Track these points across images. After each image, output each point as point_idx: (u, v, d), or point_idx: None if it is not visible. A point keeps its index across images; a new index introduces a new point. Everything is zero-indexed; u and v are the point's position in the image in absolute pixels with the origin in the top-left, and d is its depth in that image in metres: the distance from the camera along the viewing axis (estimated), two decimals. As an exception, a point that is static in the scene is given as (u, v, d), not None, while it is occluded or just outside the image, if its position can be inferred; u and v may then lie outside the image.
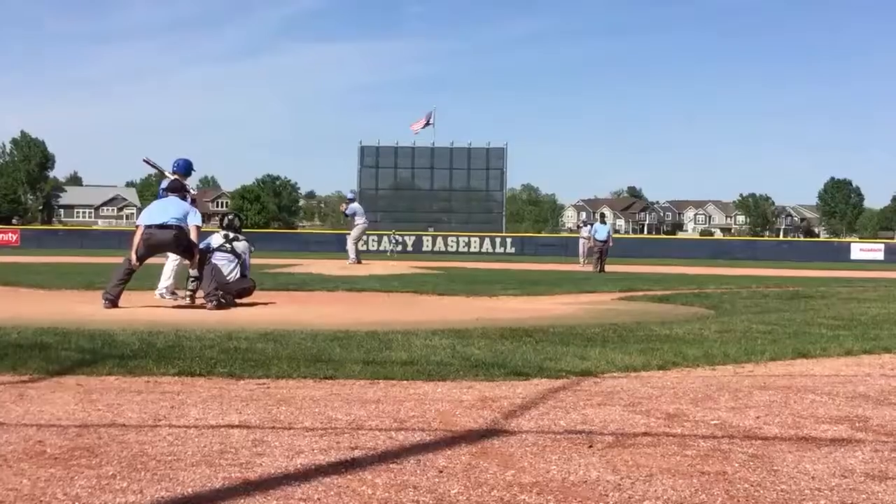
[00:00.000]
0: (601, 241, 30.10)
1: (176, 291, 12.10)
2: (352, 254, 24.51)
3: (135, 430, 4.16)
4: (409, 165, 64.67)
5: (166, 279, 12.25)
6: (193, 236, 11.37)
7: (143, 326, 8.12)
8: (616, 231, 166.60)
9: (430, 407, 4.84)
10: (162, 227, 11.20)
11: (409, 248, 53.77)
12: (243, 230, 13.14)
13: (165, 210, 11.37)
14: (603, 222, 32.17)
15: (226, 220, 12.95)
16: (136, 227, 11.49)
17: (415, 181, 65.82)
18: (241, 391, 5.22)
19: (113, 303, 10.73)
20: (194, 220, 11.43)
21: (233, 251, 12.38)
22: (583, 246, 33.69)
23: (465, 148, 64.71)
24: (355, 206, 25.50)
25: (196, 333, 7.47)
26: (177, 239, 11.23)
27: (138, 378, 5.56)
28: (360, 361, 6.19)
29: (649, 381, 5.90)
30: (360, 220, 24.98)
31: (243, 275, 12.33)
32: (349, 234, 25.28)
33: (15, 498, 3.17)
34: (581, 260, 33.45)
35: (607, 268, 28.74)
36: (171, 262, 12.37)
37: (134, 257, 11.09)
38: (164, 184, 12.30)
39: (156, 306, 11.23)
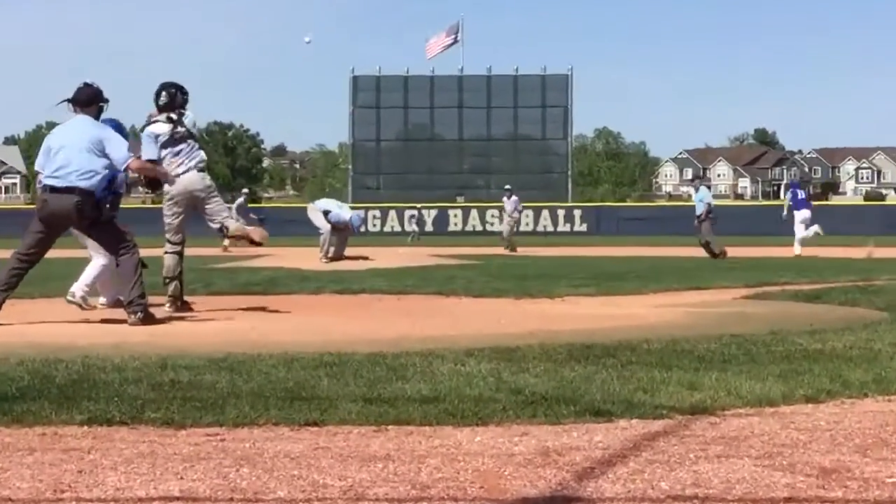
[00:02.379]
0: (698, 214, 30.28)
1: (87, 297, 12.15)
2: (324, 246, 26.55)
3: (26, 507, 4.16)
4: (425, 104, 64.65)
5: (86, 279, 12.27)
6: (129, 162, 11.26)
7: (34, 352, 8.12)
8: (739, 195, 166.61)
9: (466, 465, 4.81)
10: (55, 189, 11.09)
11: (429, 228, 53.84)
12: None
13: (68, 154, 11.09)
14: (702, 185, 32.50)
15: (162, 98, 12.61)
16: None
17: (435, 128, 65.85)
18: (182, 446, 5.21)
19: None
20: (117, 150, 11.13)
21: (190, 135, 12.49)
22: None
23: (511, 76, 64.71)
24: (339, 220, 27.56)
25: (114, 362, 7.46)
26: (80, 211, 11.13)
27: (29, 429, 5.55)
28: (360, 398, 6.16)
29: (793, 419, 5.84)
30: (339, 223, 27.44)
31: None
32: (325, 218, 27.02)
33: None
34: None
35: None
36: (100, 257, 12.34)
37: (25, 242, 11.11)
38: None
39: (57, 322, 11.26)
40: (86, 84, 11.51)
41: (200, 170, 12.51)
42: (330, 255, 26.58)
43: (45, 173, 11.11)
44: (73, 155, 10.97)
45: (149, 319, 11.00)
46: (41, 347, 8.60)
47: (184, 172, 12.37)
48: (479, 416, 5.80)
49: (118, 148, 11.12)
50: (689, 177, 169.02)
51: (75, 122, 11.29)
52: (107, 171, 11.02)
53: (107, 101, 11.51)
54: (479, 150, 64.36)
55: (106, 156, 11.04)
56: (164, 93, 12.61)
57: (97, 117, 11.42)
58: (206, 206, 12.45)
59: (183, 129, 12.43)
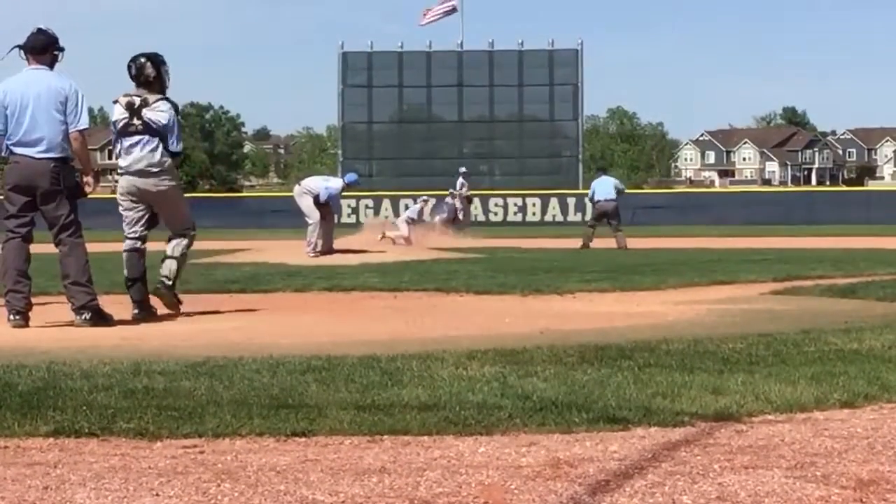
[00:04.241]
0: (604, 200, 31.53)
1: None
2: (312, 237, 25.48)
3: (-13, 527, 4.18)
4: (422, 82, 64.60)
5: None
6: (80, 156, 11.11)
7: (-4, 357, 8.13)
8: (766, 180, 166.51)
9: (469, 478, 4.82)
10: (28, 157, 10.90)
11: (426, 218, 53.84)
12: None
13: (34, 113, 10.90)
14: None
15: (134, 70, 12.03)
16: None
17: (432, 108, 65.80)
18: (157, 459, 5.22)
19: (24, 316, 10.82)
20: (76, 112, 10.99)
21: (147, 129, 11.81)
22: None
23: (515, 51, 64.64)
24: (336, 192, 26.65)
25: (83, 367, 7.47)
26: (54, 180, 10.94)
27: (-9, 441, 5.57)
28: (352, 406, 6.17)
29: (827, 426, 5.85)
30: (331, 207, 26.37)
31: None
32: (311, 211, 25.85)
33: None
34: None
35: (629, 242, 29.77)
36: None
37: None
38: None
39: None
40: (39, 30, 11.29)
41: (154, 174, 11.92)
42: (319, 248, 25.51)
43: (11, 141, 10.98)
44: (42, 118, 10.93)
45: (100, 320, 10.93)
46: (2, 352, 8.62)
47: (126, 169, 12.00)
48: (483, 424, 5.80)
49: (78, 111, 11.03)
50: (712, 160, 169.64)
51: (36, 76, 11.13)
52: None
53: (62, 49, 11.31)
54: (480, 132, 64.27)
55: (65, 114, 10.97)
56: (131, 65, 12.07)
57: (51, 67, 11.22)
58: (163, 214, 12.25)
59: (138, 123, 11.88)
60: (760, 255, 23.90)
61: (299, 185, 27.16)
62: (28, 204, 10.99)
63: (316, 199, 25.71)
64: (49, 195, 10.95)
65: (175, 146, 12.02)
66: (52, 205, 10.98)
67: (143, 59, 12.00)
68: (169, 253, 12.05)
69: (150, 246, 12.16)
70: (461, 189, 42.55)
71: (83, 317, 10.86)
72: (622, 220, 31.87)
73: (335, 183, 27.06)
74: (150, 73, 11.91)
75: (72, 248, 11.01)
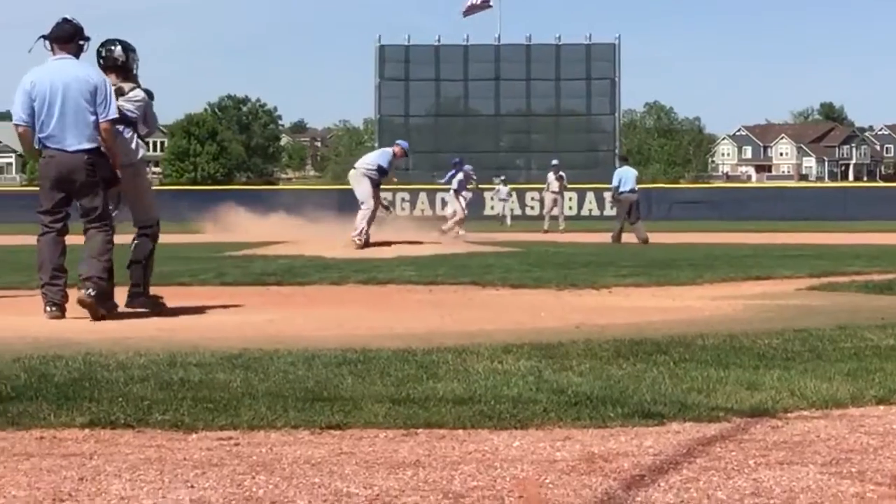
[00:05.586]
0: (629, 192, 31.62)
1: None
2: (362, 224, 24.56)
3: (24, 517, 4.18)
4: (459, 76, 64.64)
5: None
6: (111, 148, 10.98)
7: (31, 348, 8.17)
8: (803, 176, 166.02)
9: (503, 472, 4.82)
10: (63, 151, 10.87)
11: (465, 212, 53.82)
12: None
13: (63, 105, 10.90)
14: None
15: (104, 53, 11.70)
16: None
17: (469, 102, 65.77)
18: (192, 451, 5.23)
19: (60, 307, 10.79)
20: (108, 110, 10.94)
21: (123, 119, 11.43)
22: None
23: (553, 45, 64.56)
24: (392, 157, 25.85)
25: (119, 359, 7.50)
26: (90, 172, 10.91)
27: (26, 432, 5.58)
28: (387, 399, 6.18)
29: (863, 423, 5.83)
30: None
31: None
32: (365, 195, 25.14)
33: None
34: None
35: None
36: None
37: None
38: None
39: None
40: (65, 20, 11.23)
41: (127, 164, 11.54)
42: (365, 236, 24.58)
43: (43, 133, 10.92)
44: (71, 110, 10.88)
45: (101, 308, 10.84)
46: (38, 343, 8.65)
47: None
48: (518, 418, 5.80)
49: (107, 101, 10.96)
50: (749, 156, 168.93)
51: (62, 66, 11.05)
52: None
53: (88, 38, 11.26)
54: (517, 126, 64.31)
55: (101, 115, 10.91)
56: (101, 49, 11.76)
57: (77, 57, 11.15)
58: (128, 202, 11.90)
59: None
60: (797, 250, 23.82)
61: (354, 168, 26.04)
62: (63, 200, 10.99)
63: (373, 183, 24.99)
64: (85, 187, 10.94)
65: (143, 132, 11.82)
66: (87, 197, 10.98)
67: (114, 45, 11.74)
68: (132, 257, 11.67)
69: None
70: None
71: (88, 291, 10.67)
72: (643, 214, 32.02)
73: (389, 151, 26.16)
74: (119, 58, 11.62)
75: (97, 235, 10.98)
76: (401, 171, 38.83)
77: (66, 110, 10.87)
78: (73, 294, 10.78)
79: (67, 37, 11.10)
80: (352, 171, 26.10)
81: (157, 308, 11.47)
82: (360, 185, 25.08)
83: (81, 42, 11.21)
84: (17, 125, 11.17)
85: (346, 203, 29.61)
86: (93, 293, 10.63)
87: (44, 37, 11.17)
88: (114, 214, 11.44)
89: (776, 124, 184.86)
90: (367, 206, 24.69)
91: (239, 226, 34.94)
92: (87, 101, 10.89)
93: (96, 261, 10.82)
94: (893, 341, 8.46)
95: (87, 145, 10.88)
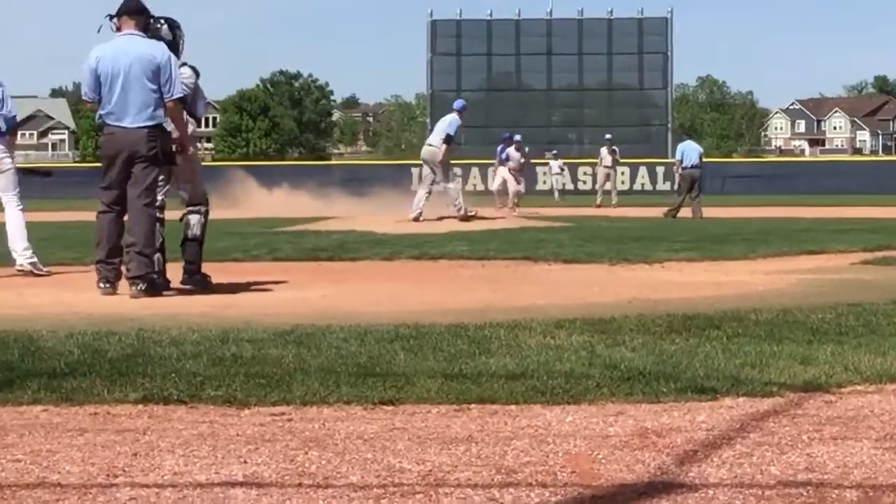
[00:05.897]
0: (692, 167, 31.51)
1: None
2: (421, 202, 24.68)
3: (76, 494, 4.19)
4: (511, 51, 64.55)
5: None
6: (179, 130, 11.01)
7: (84, 324, 8.23)
8: (857, 149, 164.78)
9: (556, 448, 4.81)
10: (122, 128, 10.86)
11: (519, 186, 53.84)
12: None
13: (125, 82, 10.86)
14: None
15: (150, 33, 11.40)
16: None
17: (521, 77, 65.67)
18: (245, 427, 5.25)
19: (113, 284, 10.83)
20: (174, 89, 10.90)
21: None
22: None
23: (605, 19, 64.35)
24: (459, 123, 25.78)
25: (172, 335, 7.54)
26: (151, 143, 10.83)
27: (80, 408, 5.62)
28: (439, 374, 6.18)
29: (919, 398, 5.79)
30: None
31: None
32: (430, 168, 25.12)
33: None
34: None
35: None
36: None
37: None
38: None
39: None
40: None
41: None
42: (464, 210, 24.95)
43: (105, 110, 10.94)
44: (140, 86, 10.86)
45: (154, 290, 10.86)
46: (92, 319, 8.72)
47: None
48: (571, 393, 5.80)
49: (172, 80, 10.93)
50: (802, 129, 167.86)
51: (128, 42, 11.01)
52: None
53: (153, 17, 11.27)
54: (569, 100, 64.22)
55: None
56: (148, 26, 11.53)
57: (144, 33, 11.11)
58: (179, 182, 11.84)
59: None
60: (850, 224, 23.67)
61: (428, 146, 25.99)
62: (123, 179, 10.97)
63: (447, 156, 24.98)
64: (144, 159, 10.87)
65: (199, 111, 11.94)
66: (142, 165, 10.88)
67: (160, 23, 11.61)
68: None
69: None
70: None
71: (138, 287, 10.69)
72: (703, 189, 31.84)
73: (452, 118, 26.19)
74: (165, 36, 11.49)
75: (140, 215, 10.91)
76: (454, 144, 38.78)
77: (128, 88, 10.88)
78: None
79: (135, 10, 11.10)
80: (425, 149, 26.10)
81: (208, 287, 11.50)
82: (437, 161, 25.17)
83: (150, 19, 11.21)
84: (85, 101, 11.40)
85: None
86: (143, 287, 10.67)
87: (109, 16, 11.19)
88: (164, 191, 11.45)
89: (830, 98, 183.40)
90: (453, 182, 25.47)
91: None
92: (150, 80, 10.88)
93: (143, 256, 10.78)
94: (950, 316, 8.40)
95: (147, 122, 10.88)
